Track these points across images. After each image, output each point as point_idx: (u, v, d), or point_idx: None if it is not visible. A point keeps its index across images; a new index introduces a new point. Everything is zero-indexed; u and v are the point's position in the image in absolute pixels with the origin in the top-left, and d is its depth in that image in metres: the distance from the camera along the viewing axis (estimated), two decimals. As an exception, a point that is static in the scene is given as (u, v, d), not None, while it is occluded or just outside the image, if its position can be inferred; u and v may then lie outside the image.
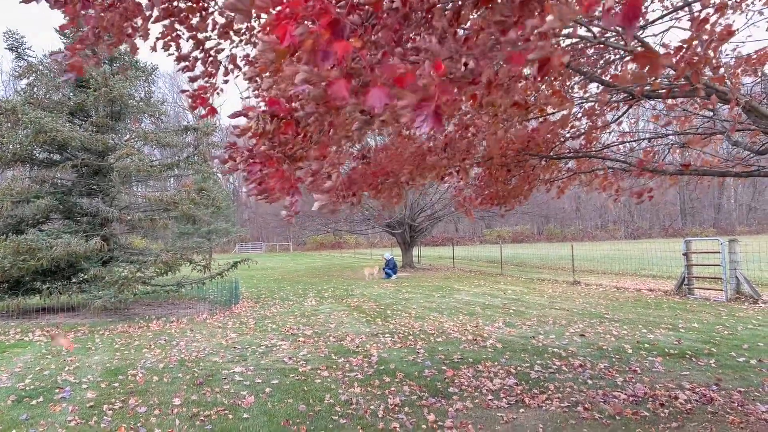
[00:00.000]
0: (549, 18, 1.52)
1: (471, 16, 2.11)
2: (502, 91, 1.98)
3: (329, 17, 1.61)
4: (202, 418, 5.42)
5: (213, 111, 3.53)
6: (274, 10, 1.65)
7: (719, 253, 13.51)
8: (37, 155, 14.07)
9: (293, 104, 2.29)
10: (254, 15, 1.77)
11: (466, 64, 1.89)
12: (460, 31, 2.20)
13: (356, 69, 1.75)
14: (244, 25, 3.97)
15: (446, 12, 2.08)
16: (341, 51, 1.59)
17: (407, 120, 1.68)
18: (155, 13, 3.26)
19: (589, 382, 6.38)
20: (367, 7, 2.08)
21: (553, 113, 4.93)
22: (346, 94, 1.64)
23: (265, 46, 1.72)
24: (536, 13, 1.63)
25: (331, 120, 2.28)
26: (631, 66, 5.04)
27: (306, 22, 1.68)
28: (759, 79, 5.46)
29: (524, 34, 1.61)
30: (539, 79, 1.75)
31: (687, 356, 7.44)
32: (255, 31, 4.10)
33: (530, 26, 1.56)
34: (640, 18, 4.92)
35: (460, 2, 2.13)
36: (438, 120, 1.61)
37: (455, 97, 1.90)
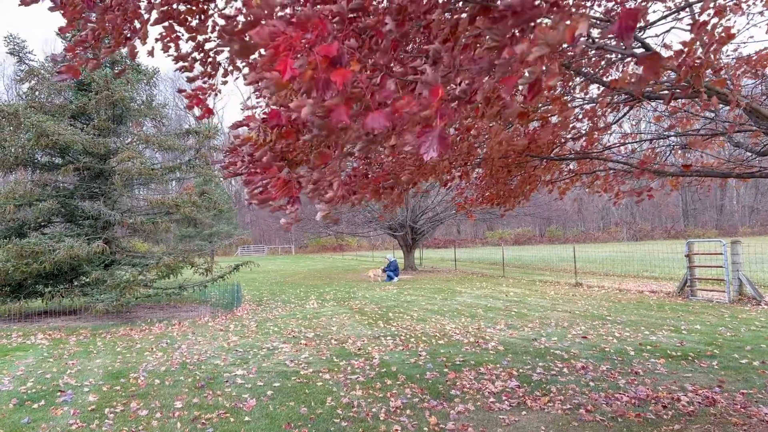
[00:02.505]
0: (535, 49, 1.52)
1: (467, 30, 2.11)
2: (502, 107, 1.99)
3: (328, 48, 1.62)
4: (203, 421, 5.42)
5: (209, 111, 3.52)
6: (272, 45, 1.66)
7: (722, 254, 13.48)
8: (39, 159, 14.10)
9: (293, 115, 2.29)
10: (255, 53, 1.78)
11: (460, 83, 1.89)
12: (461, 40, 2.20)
13: (356, 93, 1.76)
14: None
15: (443, 27, 2.08)
16: (341, 79, 1.59)
17: (413, 148, 1.69)
18: (154, 15, 3.26)
19: (592, 384, 6.37)
20: (363, 21, 2.09)
21: (553, 116, 4.93)
22: (346, 119, 1.65)
23: (268, 82, 1.73)
24: (528, 38, 1.64)
25: (335, 140, 2.29)
26: (633, 67, 5.04)
27: (303, 53, 1.69)
28: (760, 81, 5.45)
29: (515, 58, 1.62)
30: (530, 98, 1.76)
31: (689, 358, 7.42)
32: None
33: (519, 51, 1.56)
34: (641, 20, 4.92)
35: (457, 15, 2.13)
36: (444, 144, 1.62)
37: (456, 114, 1.91)
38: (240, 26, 1.65)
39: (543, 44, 1.49)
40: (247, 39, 1.60)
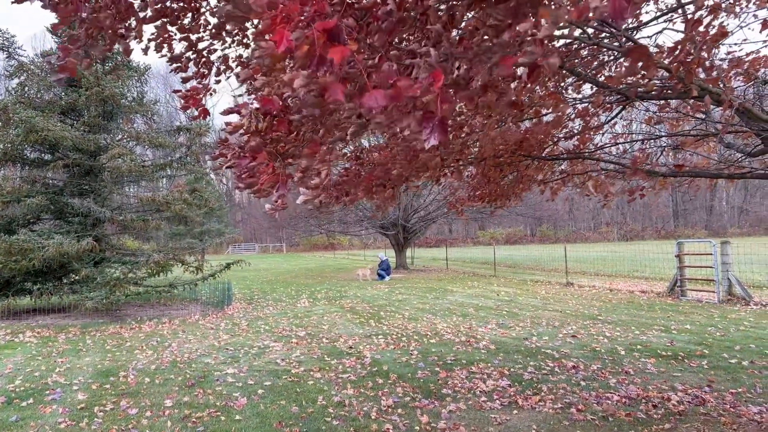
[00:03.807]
0: (544, 23, 1.51)
1: (465, 17, 2.10)
2: (497, 94, 1.97)
3: (326, 23, 1.59)
4: (194, 419, 5.38)
5: (205, 112, 3.49)
6: (269, 14, 1.63)
7: (711, 254, 13.56)
8: (28, 155, 13.98)
9: (287, 102, 2.27)
10: (249, 20, 1.75)
11: (458, 68, 1.88)
12: (454, 32, 2.18)
13: (352, 73, 1.74)
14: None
15: (441, 14, 2.07)
16: (338, 56, 1.57)
17: (414, 132, 1.67)
18: (149, 13, 3.23)
19: (582, 383, 6.38)
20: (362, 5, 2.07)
21: (547, 113, 4.94)
22: (341, 98, 1.63)
23: (261, 51, 1.70)
24: (530, 17, 1.62)
25: (325, 122, 2.27)
26: (626, 65, 5.04)
27: (301, 26, 1.66)
28: (752, 82, 5.47)
29: (519, 38, 1.60)
30: (530, 83, 1.74)
31: (679, 358, 7.45)
32: (248, 32, 4.08)
33: (523, 30, 1.55)
34: (632, 17, 4.93)
35: (454, 2, 2.12)
36: (444, 131, 1.60)
37: (453, 101, 1.89)
38: None
39: (553, 21, 1.47)
40: (245, 4, 1.58)
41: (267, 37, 1.68)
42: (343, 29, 1.62)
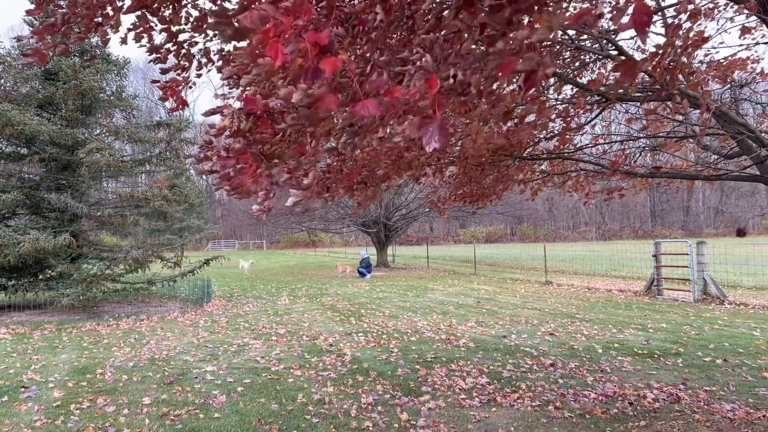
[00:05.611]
0: (538, 28, 1.52)
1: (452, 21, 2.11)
2: (492, 102, 1.99)
3: (318, 35, 1.59)
4: (172, 417, 5.34)
5: (184, 103, 3.46)
6: (261, 30, 1.63)
7: (687, 254, 13.78)
8: (4, 149, 13.73)
9: (270, 103, 2.25)
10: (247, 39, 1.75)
11: (455, 77, 1.89)
12: (440, 34, 2.19)
13: (344, 83, 1.74)
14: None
15: (427, 18, 2.07)
16: (330, 68, 1.57)
17: (414, 137, 1.68)
18: (127, 2, 3.18)
19: (560, 381, 6.45)
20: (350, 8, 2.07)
21: (530, 115, 4.96)
22: (334, 107, 1.63)
23: (259, 69, 1.70)
24: (525, 24, 1.64)
25: (313, 131, 2.26)
26: (609, 68, 5.10)
27: (292, 38, 1.66)
28: (729, 86, 5.57)
29: (513, 46, 1.61)
30: (525, 90, 1.76)
31: (655, 356, 7.56)
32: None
33: (520, 37, 1.56)
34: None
35: (442, 5, 2.13)
36: (444, 134, 1.61)
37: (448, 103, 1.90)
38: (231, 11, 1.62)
39: (546, 28, 1.48)
40: (237, 24, 1.57)
41: (254, 48, 1.67)
42: (334, 41, 1.62)
